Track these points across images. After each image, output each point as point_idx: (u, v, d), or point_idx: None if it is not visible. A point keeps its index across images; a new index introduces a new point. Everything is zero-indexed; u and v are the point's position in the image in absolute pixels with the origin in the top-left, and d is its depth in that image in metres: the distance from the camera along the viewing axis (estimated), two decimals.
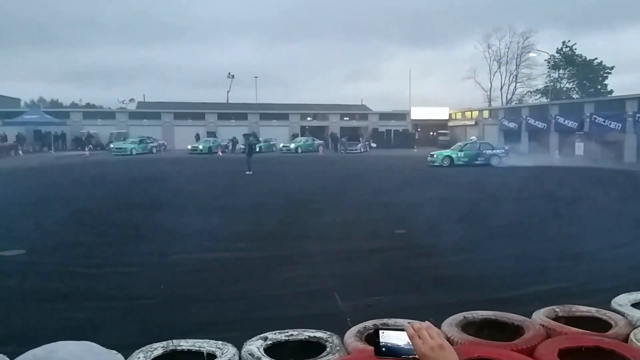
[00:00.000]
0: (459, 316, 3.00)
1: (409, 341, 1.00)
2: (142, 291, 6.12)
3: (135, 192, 15.43)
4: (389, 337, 1.03)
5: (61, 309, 5.52)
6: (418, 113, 49.86)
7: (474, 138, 32.16)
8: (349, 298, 5.77)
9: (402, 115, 50.75)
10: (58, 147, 41.13)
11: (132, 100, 55.33)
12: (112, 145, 37.89)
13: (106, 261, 7.57)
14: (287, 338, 3.04)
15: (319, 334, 3.03)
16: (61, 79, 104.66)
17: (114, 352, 2.49)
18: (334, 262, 7.53)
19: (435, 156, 26.35)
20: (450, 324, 2.90)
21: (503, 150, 27.61)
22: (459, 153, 26.56)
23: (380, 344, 1.02)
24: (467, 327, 2.95)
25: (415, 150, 41.57)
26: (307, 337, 3.03)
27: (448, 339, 2.77)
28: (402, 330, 1.02)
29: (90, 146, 40.27)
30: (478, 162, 26.13)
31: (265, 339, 3.01)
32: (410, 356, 0.99)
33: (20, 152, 36.48)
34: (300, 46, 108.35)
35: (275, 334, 3.06)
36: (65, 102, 70.40)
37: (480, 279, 6.52)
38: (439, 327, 3.00)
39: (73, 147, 41.86)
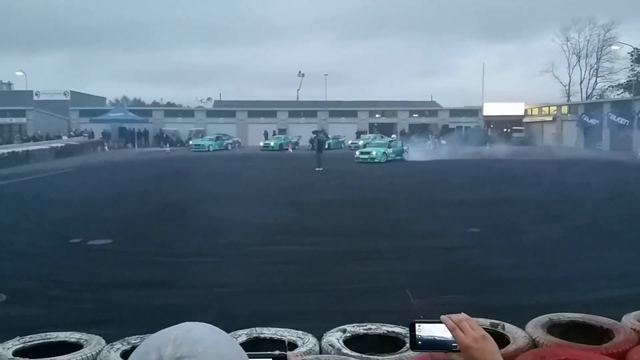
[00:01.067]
0: (544, 317, 2.90)
1: (445, 334, 0.98)
2: (222, 280, 6.42)
3: (212, 186, 16.13)
4: (425, 330, 1.01)
5: (147, 295, 5.91)
6: (491, 109, 47.90)
7: (394, 136, 35.61)
8: (422, 295, 5.71)
9: (474, 112, 49.02)
10: (141, 144, 43.64)
11: (209, 99, 57.66)
12: (190, 142, 39.79)
13: (187, 251, 7.99)
14: (365, 331, 3.08)
15: (397, 329, 3.04)
16: (143, 79, 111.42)
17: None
18: (406, 258, 7.47)
19: (374, 153, 26.69)
20: (535, 325, 2.81)
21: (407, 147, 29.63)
22: (387, 150, 27.30)
23: (416, 337, 1.00)
24: (553, 329, 2.83)
25: (488, 147, 40.00)
26: (385, 331, 3.06)
27: (533, 341, 2.68)
28: (439, 322, 1.00)
29: (168, 143, 42.49)
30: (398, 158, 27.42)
31: (344, 331, 3.07)
32: (452, 349, 0.98)
33: (106, 148, 39.09)
34: (370, 43, 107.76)
35: (353, 326, 3.11)
36: (147, 100, 74.73)
37: (561, 280, 6.20)
38: (522, 328, 2.91)
39: (155, 143, 44.27)
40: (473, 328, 0.96)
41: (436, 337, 1.00)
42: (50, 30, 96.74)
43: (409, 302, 5.57)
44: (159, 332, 0.68)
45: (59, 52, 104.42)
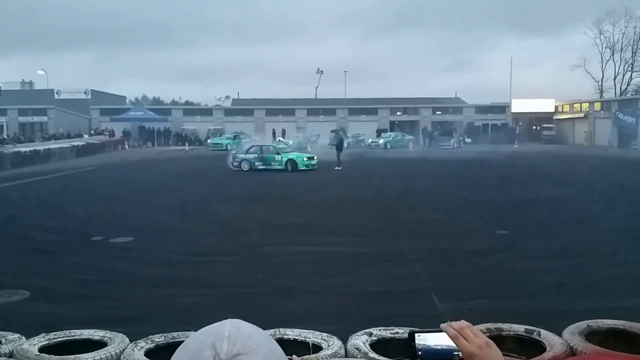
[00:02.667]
0: (582, 324, 2.82)
1: (447, 343, 0.96)
2: (243, 280, 6.45)
3: (231, 185, 16.25)
4: (425, 340, 0.98)
5: (169, 293, 5.98)
6: (519, 106, 46.98)
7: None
8: (448, 299, 5.63)
9: (501, 108, 48.24)
10: (160, 142, 44.37)
11: (227, 97, 58.08)
12: (209, 141, 40.19)
13: (208, 250, 8.07)
14: (392, 335, 3.04)
15: None
16: (162, 78, 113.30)
17: None
18: (430, 261, 7.39)
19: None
20: (573, 332, 2.73)
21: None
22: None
23: (417, 347, 0.97)
24: (591, 336, 2.75)
25: (516, 145, 39.37)
26: None
27: (571, 348, 2.61)
28: (440, 331, 0.97)
29: (187, 142, 42.99)
30: None
31: (370, 334, 3.04)
32: (455, 358, 0.95)
33: (127, 146, 39.91)
34: (392, 40, 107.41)
35: (380, 330, 3.08)
36: (166, 99, 75.87)
37: (596, 285, 6.05)
38: (559, 335, 2.84)
39: (174, 142, 44.90)
40: (476, 335, 0.95)
41: (437, 347, 0.98)
42: (71, 31, 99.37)
43: (435, 306, 5.50)
44: (205, 329, 0.68)
45: (80, 52, 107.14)
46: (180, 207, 12.27)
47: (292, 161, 21.31)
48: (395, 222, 10.30)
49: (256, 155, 21.71)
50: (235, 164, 21.73)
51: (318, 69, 59.37)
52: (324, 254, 7.81)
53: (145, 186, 16.36)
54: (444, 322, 1.00)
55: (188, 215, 11.41)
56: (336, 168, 21.37)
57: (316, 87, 59.88)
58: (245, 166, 21.45)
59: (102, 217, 10.85)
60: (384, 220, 10.47)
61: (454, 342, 0.95)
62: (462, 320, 0.98)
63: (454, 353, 0.95)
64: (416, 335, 0.99)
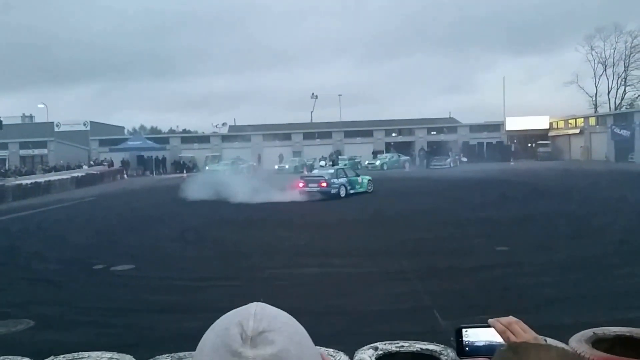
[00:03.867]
0: (588, 332, 2.81)
1: (494, 339, 0.95)
2: (245, 303, 6.38)
3: (230, 211, 16.22)
4: (472, 336, 0.98)
5: (174, 319, 5.93)
6: (514, 124, 47.40)
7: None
8: (451, 316, 5.60)
9: (496, 127, 48.65)
10: (159, 171, 44.51)
11: (224, 124, 58.61)
12: (207, 168, 40.31)
13: (209, 275, 8.03)
14: (398, 349, 3.03)
15: (431, 346, 2.98)
16: (160, 108, 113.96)
17: None
18: (431, 279, 7.36)
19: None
20: (579, 340, 2.73)
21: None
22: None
23: (464, 343, 0.97)
24: (598, 343, 2.74)
25: (512, 163, 39.56)
26: (419, 349, 3.00)
27: (579, 356, 2.60)
28: (487, 327, 0.97)
29: (185, 169, 43.10)
30: None
31: (376, 348, 3.02)
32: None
33: (125, 175, 40.03)
34: (386, 64, 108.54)
35: (385, 344, 3.06)
36: (164, 129, 76.27)
37: (599, 298, 6.03)
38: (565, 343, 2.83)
39: (172, 170, 45.05)
40: (524, 330, 0.94)
41: (485, 342, 0.98)
42: (71, 65, 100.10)
43: (438, 323, 5.47)
44: (232, 311, 0.71)
45: (80, 85, 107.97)
46: (180, 233, 12.24)
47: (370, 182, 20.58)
48: (395, 241, 10.28)
49: (346, 179, 19.88)
50: (334, 191, 19.00)
51: (313, 93, 60.01)
52: (325, 275, 7.79)
53: (145, 214, 16.33)
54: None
55: (187, 241, 11.38)
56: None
57: (311, 112, 60.46)
58: (342, 192, 19.29)
59: (103, 246, 10.82)
60: (383, 240, 10.46)
61: (501, 337, 0.94)
62: (511, 316, 0.97)
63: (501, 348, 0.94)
64: (463, 330, 0.99)
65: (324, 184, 18.97)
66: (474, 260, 8.27)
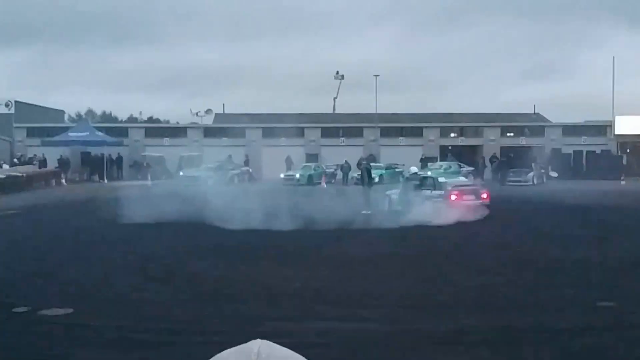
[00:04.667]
0: None
1: None
2: None
3: (215, 234, 16.31)
4: None
5: None
6: (627, 125, 46.80)
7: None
8: None
9: (601, 129, 48.31)
10: (112, 175, 44.85)
11: (208, 111, 58.57)
12: (181, 173, 40.59)
13: (180, 326, 8.07)
14: None
15: None
16: (118, 86, 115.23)
17: None
18: (504, 346, 7.40)
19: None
20: None
21: None
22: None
23: None
24: None
25: (623, 182, 39.14)
26: None
27: None
28: None
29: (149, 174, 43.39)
30: None
31: None
32: None
33: (64, 181, 40.01)
34: (442, 35, 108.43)
35: None
36: (122, 115, 77.18)
37: None
38: None
39: (132, 174, 45.22)
40: None
41: None
42: None
43: None
44: (229, 350, 0.75)
45: (1, 50, 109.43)
46: (140, 264, 12.35)
47: None
48: (452, 288, 10.27)
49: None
50: None
51: (337, 72, 59.83)
52: (349, 332, 7.81)
53: (91, 237, 16.49)
54: None
55: (152, 276, 11.46)
56: (363, 212, 21.38)
57: (334, 98, 60.44)
58: None
59: (29, 281, 10.95)
60: (434, 285, 10.44)
61: None
62: None
63: None
64: None
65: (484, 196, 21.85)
66: (565, 321, 8.27)
